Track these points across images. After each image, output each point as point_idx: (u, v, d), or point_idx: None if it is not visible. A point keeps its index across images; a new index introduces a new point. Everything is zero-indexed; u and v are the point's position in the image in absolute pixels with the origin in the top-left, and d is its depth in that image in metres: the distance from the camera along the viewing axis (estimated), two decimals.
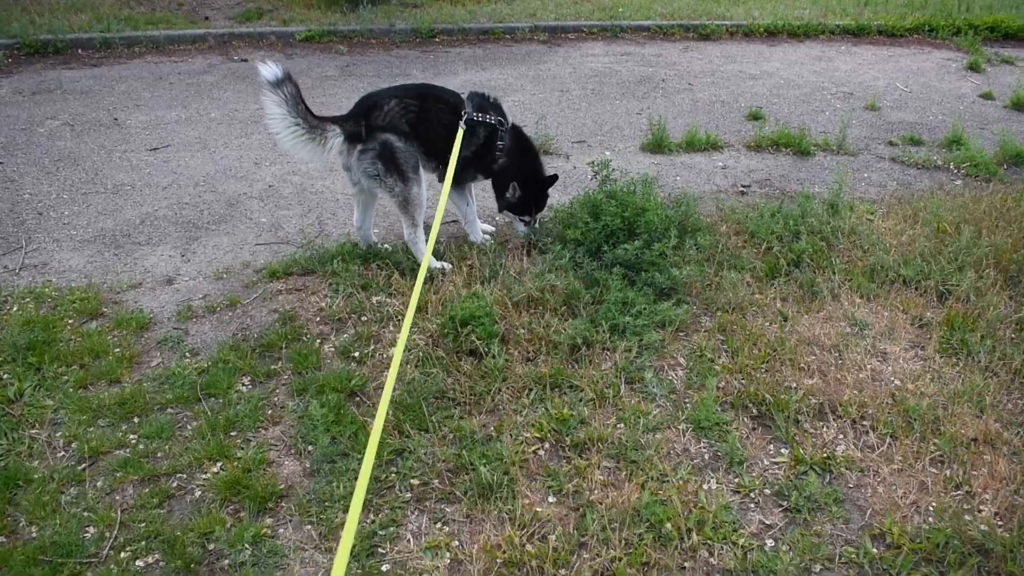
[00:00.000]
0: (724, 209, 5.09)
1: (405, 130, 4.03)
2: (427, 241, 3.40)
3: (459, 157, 3.86)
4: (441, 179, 4.15)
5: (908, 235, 4.69)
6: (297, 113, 3.82)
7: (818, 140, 6.65)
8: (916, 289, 4.18)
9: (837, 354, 3.63)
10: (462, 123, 4.03)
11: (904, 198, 5.54)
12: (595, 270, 4.05)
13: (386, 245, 4.52)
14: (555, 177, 4.44)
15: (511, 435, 3.05)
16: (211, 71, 8.33)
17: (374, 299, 3.98)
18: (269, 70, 3.71)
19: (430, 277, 4.10)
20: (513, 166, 4.34)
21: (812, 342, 3.70)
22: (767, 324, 3.86)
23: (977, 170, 6.09)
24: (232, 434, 3.09)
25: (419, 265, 4.12)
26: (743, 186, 5.75)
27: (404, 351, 3.47)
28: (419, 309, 3.79)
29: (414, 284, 2.92)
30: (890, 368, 3.56)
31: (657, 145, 6.35)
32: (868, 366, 3.56)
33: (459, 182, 4.31)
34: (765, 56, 9.80)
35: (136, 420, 3.16)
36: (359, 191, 4.24)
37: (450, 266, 4.25)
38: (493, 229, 4.80)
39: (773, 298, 4.06)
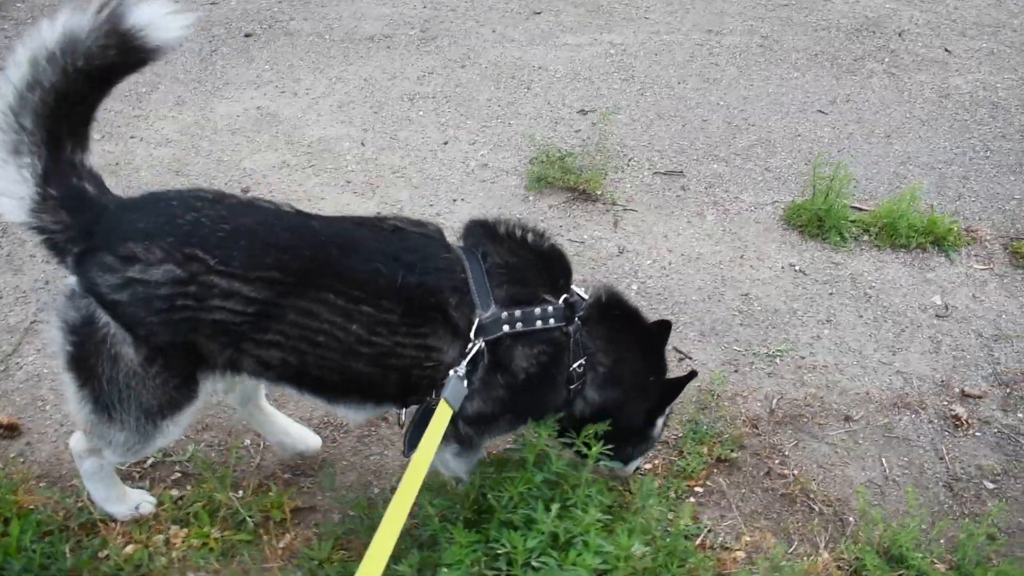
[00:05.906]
0: None
1: (185, 340, 1.53)
2: None
3: (476, 413, 1.65)
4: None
5: None
6: None
7: None
8: None
9: None
10: (457, 371, 1.53)
11: None
12: None
13: None
14: (693, 375, 1.86)
15: None
16: None
17: None
18: None
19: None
20: (619, 397, 1.77)
21: None
22: None
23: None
24: None
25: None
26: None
27: None
28: None
29: None
30: None
31: (817, 220, 3.15)
32: None
33: (474, 445, 1.80)
34: None
35: None
36: None
37: (152, 501, 1.96)
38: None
39: None
